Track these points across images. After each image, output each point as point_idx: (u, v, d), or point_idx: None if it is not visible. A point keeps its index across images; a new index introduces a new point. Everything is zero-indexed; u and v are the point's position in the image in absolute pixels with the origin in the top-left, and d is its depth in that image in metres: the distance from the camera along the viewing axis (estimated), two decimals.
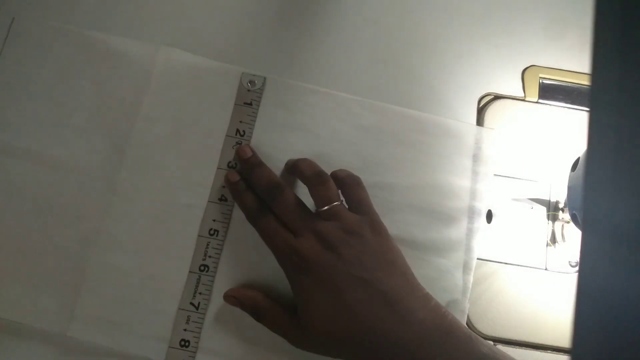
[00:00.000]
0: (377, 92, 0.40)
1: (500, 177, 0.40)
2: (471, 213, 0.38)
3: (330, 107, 0.39)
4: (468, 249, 0.37)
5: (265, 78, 0.39)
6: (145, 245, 0.36)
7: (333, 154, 0.38)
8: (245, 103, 0.39)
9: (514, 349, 0.37)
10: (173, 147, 0.38)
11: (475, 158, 0.39)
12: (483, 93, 0.41)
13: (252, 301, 0.34)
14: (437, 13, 0.42)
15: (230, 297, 0.35)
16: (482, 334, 0.37)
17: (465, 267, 0.37)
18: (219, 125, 0.38)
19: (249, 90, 0.39)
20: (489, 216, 0.39)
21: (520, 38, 0.42)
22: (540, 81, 0.41)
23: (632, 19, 0.18)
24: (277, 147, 0.38)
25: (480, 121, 0.40)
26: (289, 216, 0.34)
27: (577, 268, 0.38)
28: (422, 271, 0.35)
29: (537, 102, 0.41)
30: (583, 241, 0.20)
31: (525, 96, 0.41)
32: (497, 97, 0.41)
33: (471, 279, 0.37)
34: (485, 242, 0.38)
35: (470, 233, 0.38)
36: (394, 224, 0.36)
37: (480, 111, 0.41)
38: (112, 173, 0.37)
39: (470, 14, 0.43)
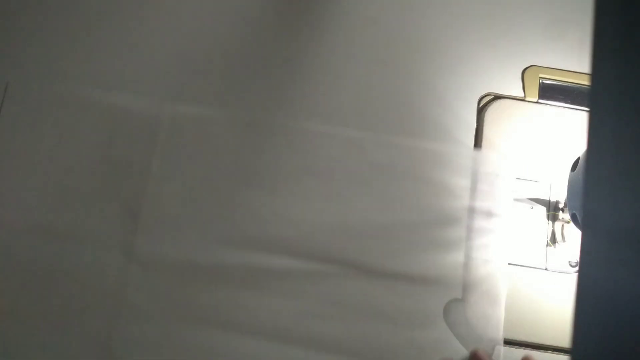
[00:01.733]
0: (376, 92, 0.40)
1: (499, 177, 0.40)
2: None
3: (341, 147, 0.38)
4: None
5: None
6: (171, 311, 0.35)
7: (349, 195, 0.37)
8: None
9: (514, 349, 0.37)
10: (188, 205, 0.36)
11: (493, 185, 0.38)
12: (483, 93, 0.41)
13: None
14: (437, 13, 0.42)
15: None
16: None
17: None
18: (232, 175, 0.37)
19: None
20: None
21: (520, 38, 0.42)
22: (540, 81, 0.41)
23: (632, 19, 0.18)
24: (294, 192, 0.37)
25: (480, 121, 0.40)
26: None
27: (577, 268, 0.38)
28: None
29: (537, 102, 0.41)
30: (583, 241, 0.20)
31: (525, 96, 0.41)
32: (497, 97, 0.41)
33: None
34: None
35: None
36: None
37: (480, 111, 0.40)
38: (127, 239, 0.35)
39: (470, 14, 0.42)
